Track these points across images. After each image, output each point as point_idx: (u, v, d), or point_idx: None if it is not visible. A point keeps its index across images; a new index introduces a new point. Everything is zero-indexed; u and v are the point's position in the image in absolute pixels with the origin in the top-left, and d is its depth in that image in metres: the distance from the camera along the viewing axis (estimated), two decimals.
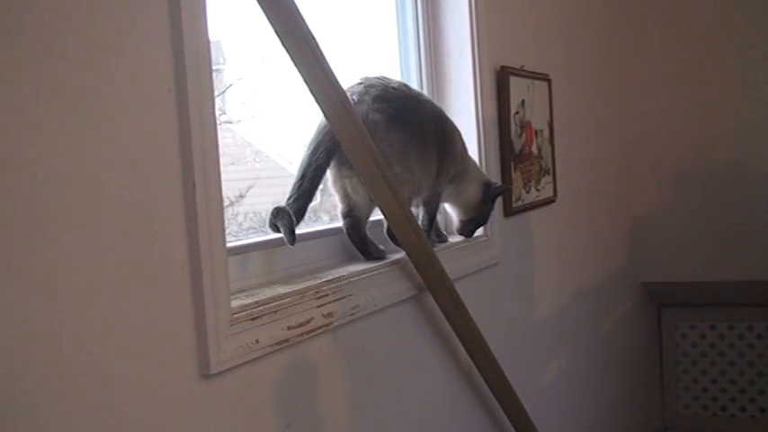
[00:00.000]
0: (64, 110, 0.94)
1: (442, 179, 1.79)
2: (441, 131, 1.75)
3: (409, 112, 1.64)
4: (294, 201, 1.47)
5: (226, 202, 1.25)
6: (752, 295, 3.79)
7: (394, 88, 1.63)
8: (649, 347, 4.06)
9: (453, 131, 1.82)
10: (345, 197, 1.62)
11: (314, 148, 1.52)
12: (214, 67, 1.19)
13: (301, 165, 1.52)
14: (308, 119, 1.62)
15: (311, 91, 1.37)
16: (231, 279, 1.22)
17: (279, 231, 1.42)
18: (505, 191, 2.17)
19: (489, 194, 1.92)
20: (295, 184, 1.50)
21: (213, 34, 1.19)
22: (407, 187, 1.64)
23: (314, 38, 1.34)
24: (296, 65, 1.34)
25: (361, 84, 1.61)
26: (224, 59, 1.67)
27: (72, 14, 0.96)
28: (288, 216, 1.41)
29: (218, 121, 1.19)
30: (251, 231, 1.64)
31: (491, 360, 1.86)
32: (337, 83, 1.39)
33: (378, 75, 1.66)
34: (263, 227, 1.48)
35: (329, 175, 1.59)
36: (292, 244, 1.40)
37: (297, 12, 1.31)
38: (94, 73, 0.99)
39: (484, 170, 2.10)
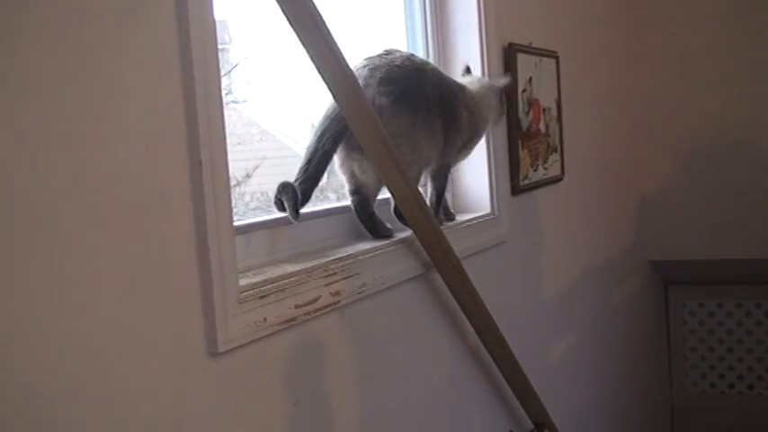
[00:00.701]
0: (68, 91, 0.94)
1: (450, 149, 1.79)
2: (446, 102, 1.75)
3: (415, 90, 1.63)
4: (300, 184, 1.47)
5: (233, 182, 1.25)
6: (760, 273, 3.78)
7: (398, 66, 1.62)
8: (657, 325, 4.07)
9: (458, 101, 1.80)
10: (353, 177, 1.62)
11: (320, 134, 1.52)
12: (220, 47, 1.18)
13: (308, 150, 1.52)
14: (314, 98, 1.62)
15: (320, 72, 1.36)
16: (239, 258, 1.22)
17: (283, 208, 1.42)
18: None
19: None
20: (301, 168, 1.50)
21: (219, 13, 1.18)
22: (416, 166, 1.64)
23: (321, 17, 1.33)
24: (304, 46, 1.33)
25: (366, 66, 1.60)
26: (230, 38, 1.66)
27: None
28: (293, 191, 1.42)
29: (224, 101, 1.19)
30: (258, 211, 1.64)
31: (498, 338, 1.86)
32: (346, 64, 1.39)
33: (381, 51, 1.65)
34: (270, 207, 1.48)
35: (336, 158, 1.60)
36: (296, 219, 1.41)
37: None
38: (99, 54, 0.98)
39: (491, 148, 2.10)
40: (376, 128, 1.45)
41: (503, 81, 1.99)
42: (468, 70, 2.01)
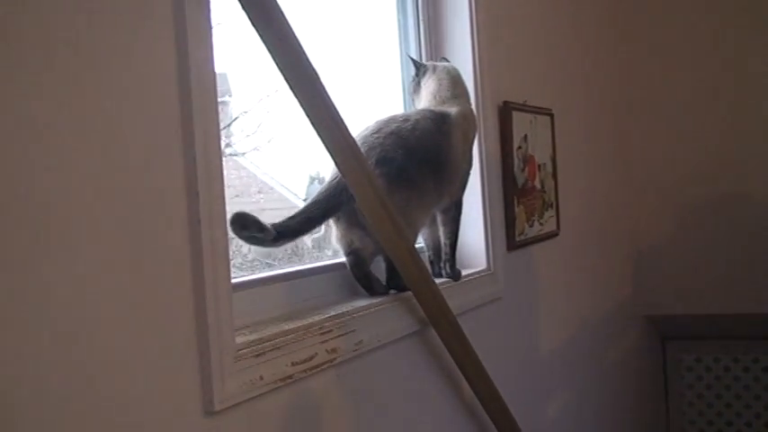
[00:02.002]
0: (69, 144, 0.96)
1: (452, 189, 1.83)
2: (439, 157, 1.76)
3: (409, 165, 1.64)
4: (276, 227, 1.45)
5: (230, 235, 1.26)
6: (756, 328, 3.78)
7: (391, 142, 1.64)
8: (654, 380, 4.05)
9: (449, 146, 1.80)
10: (350, 245, 1.64)
11: (314, 202, 1.55)
12: (220, 99, 1.20)
13: (299, 211, 1.54)
14: (312, 151, 1.63)
15: (321, 138, 1.38)
16: (235, 315, 1.22)
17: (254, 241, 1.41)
18: None
19: None
20: (287, 218, 1.51)
21: (219, 66, 1.20)
22: (411, 231, 1.67)
23: (324, 86, 1.35)
24: (308, 115, 1.36)
25: (361, 147, 1.61)
26: (230, 91, 1.69)
27: (77, 45, 0.98)
28: (251, 219, 1.38)
29: (223, 153, 1.20)
30: (255, 263, 1.65)
31: (494, 394, 1.85)
32: (349, 133, 1.42)
33: (373, 125, 1.68)
34: (267, 259, 1.49)
35: (335, 230, 1.63)
36: (276, 240, 1.42)
37: (308, 64, 1.32)
38: (101, 104, 1.00)
39: (487, 205, 2.12)
40: (377, 196, 1.47)
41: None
42: (444, 60, 2.03)
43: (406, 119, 1.72)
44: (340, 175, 1.50)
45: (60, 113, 0.95)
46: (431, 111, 1.81)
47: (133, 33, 1.06)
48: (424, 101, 1.90)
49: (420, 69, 1.93)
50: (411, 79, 1.95)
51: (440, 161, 1.76)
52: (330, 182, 1.57)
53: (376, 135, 1.65)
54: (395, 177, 1.61)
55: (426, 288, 1.60)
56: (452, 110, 1.84)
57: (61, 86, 0.95)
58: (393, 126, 1.69)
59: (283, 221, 1.48)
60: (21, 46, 0.90)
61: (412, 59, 1.95)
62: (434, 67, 1.92)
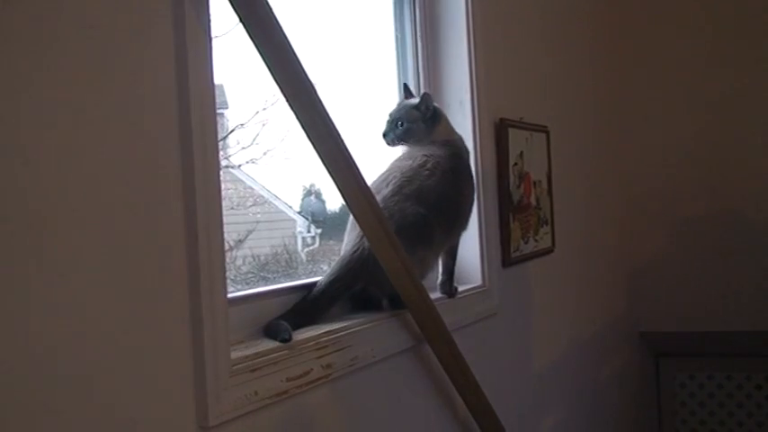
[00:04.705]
0: (66, 156, 0.96)
1: (460, 229, 1.87)
2: (456, 213, 1.82)
3: (429, 224, 1.68)
4: (295, 314, 1.48)
5: (225, 247, 1.26)
6: (750, 346, 3.78)
7: (412, 205, 1.66)
8: (647, 397, 4.04)
9: (463, 205, 1.85)
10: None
11: (334, 279, 1.56)
12: (217, 111, 1.20)
13: (318, 287, 1.55)
14: (307, 164, 1.64)
15: (320, 156, 1.39)
16: (230, 329, 1.22)
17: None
18: None
19: None
20: (302, 300, 1.53)
21: (216, 77, 1.20)
22: (420, 273, 1.69)
23: (325, 108, 1.36)
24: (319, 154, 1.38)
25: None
26: (226, 105, 1.69)
27: (76, 57, 0.98)
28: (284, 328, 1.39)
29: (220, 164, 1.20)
30: (249, 275, 1.65)
31: (488, 410, 1.85)
32: (346, 147, 1.42)
33: (394, 180, 1.69)
34: (261, 272, 1.49)
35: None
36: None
37: (306, 79, 1.33)
38: (99, 117, 1.01)
39: (483, 221, 2.13)
40: (377, 217, 1.48)
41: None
42: (407, 90, 1.93)
43: (429, 173, 1.72)
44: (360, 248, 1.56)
45: (58, 124, 0.95)
46: (453, 156, 1.81)
47: (133, 46, 1.06)
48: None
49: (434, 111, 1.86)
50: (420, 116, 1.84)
51: (457, 210, 1.81)
52: (347, 252, 1.60)
53: (396, 198, 1.66)
54: (416, 241, 1.63)
55: (422, 304, 1.60)
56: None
57: (59, 97, 0.95)
58: (415, 185, 1.69)
59: (297, 310, 1.50)
60: (20, 58, 0.90)
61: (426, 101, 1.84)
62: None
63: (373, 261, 1.52)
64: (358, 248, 1.58)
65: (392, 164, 1.78)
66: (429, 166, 1.74)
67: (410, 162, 1.74)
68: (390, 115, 1.84)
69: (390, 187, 1.67)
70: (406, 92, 1.91)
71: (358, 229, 1.54)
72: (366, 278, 1.59)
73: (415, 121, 1.81)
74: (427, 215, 1.67)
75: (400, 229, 1.57)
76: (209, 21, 1.18)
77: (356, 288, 1.60)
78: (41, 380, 0.91)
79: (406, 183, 1.68)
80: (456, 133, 1.91)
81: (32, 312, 0.90)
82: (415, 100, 1.85)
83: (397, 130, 1.81)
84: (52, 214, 0.93)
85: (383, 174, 1.74)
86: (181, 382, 1.11)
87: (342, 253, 1.64)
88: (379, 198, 1.59)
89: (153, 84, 1.10)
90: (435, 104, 1.86)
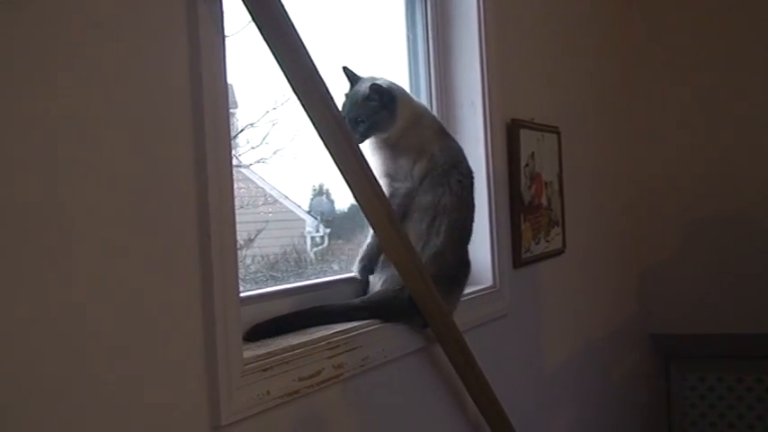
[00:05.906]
0: (81, 155, 0.96)
1: None
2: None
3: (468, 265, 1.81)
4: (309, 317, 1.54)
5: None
6: (761, 348, 3.77)
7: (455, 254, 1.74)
8: (658, 399, 4.03)
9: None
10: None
11: (364, 308, 1.63)
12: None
13: (349, 303, 1.64)
14: (317, 164, 1.64)
15: (332, 156, 1.40)
16: (243, 329, 1.23)
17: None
18: None
19: None
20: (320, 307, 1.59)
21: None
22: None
23: (336, 107, 1.38)
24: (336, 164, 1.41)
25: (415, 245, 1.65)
26: (236, 104, 1.69)
27: (90, 57, 0.99)
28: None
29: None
30: (258, 275, 1.65)
31: (499, 411, 1.85)
32: (367, 165, 1.44)
33: (429, 211, 1.71)
34: (271, 270, 1.49)
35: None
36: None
37: (319, 78, 1.33)
38: (113, 117, 1.01)
39: (494, 222, 2.13)
40: (386, 212, 1.49)
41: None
42: (349, 74, 1.75)
43: (451, 204, 1.73)
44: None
45: (72, 124, 0.95)
46: (448, 162, 1.78)
47: (147, 46, 1.07)
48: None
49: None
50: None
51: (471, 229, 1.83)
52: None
53: (430, 230, 1.71)
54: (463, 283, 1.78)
55: (433, 304, 1.60)
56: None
57: (74, 97, 0.96)
58: (444, 223, 1.71)
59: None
60: (35, 57, 0.91)
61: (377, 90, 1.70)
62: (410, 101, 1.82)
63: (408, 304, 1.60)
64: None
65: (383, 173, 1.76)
66: (445, 200, 1.72)
67: (430, 197, 1.73)
68: (347, 116, 1.68)
69: (427, 220, 1.71)
70: (350, 77, 1.74)
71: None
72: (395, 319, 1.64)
73: (375, 112, 1.69)
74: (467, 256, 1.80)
75: (449, 279, 1.72)
76: (222, 21, 1.18)
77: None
78: (61, 380, 0.91)
79: (440, 216, 1.71)
80: (421, 106, 1.82)
81: (50, 311, 0.90)
82: (364, 87, 1.70)
83: (359, 128, 1.69)
84: (68, 215, 0.94)
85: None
86: (194, 382, 1.12)
87: (380, 285, 1.68)
88: (427, 248, 1.69)
89: (167, 84, 1.10)
90: (385, 84, 1.72)
